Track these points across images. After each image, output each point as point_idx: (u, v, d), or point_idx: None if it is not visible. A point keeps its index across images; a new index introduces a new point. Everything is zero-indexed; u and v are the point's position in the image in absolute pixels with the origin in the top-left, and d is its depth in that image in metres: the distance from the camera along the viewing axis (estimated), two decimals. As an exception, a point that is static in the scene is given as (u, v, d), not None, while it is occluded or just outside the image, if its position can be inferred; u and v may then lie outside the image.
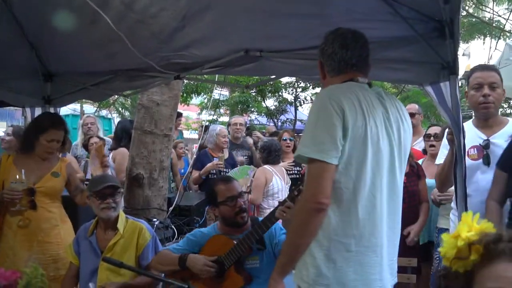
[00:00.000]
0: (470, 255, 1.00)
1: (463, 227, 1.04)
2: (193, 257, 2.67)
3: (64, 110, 12.02)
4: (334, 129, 1.76)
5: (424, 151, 4.14)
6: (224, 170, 5.29)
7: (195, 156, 5.73)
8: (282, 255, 1.89)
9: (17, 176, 3.06)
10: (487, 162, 2.78)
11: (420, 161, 4.01)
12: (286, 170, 5.07)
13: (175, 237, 4.29)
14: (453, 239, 1.03)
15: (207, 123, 6.03)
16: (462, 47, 13.68)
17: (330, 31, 2.05)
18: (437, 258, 3.29)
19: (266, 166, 4.89)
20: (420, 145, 4.36)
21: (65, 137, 3.38)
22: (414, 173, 3.68)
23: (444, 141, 2.92)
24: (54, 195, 3.32)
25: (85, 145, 5.97)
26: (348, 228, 1.81)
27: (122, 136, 5.27)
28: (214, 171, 5.30)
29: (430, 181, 3.63)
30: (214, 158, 5.38)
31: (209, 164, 5.29)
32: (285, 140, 5.42)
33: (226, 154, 5.55)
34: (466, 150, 2.73)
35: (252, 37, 2.89)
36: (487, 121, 2.85)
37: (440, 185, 3.06)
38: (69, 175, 3.43)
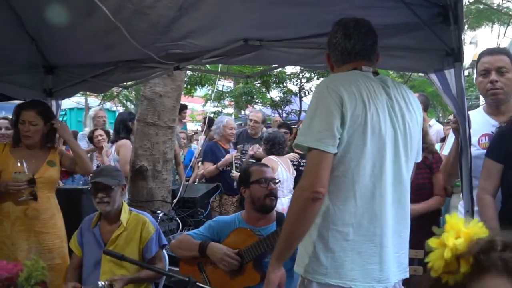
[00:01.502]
0: (459, 268, 0.89)
1: (449, 233, 0.91)
2: (214, 246, 2.68)
3: (69, 104, 12.10)
4: (331, 117, 1.75)
5: (443, 139, 4.08)
6: (238, 163, 5.27)
7: (199, 148, 5.72)
8: (279, 241, 1.87)
9: (19, 166, 3.07)
10: None
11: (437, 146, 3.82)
12: (291, 161, 5.05)
13: (180, 229, 4.30)
14: (440, 249, 0.91)
15: (211, 115, 6.00)
16: (470, 35, 13.53)
17: (335, 21, 2.03)
18: None
19: (271, 157, 4.88)
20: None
21: (50, 128, 3.34)
22: (426, 165, 3.38)
23: (451, 132, 2.77)
24: (51, 185, 3.33)
25: (90, 137, 6.03)
26: (346, 217, 1.80)
27: (120, 128, 5.30)
28: (228, 164, 5.29)
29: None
30: (227, 150, 5.34)
31: (227, 156, 5.29)
32: None
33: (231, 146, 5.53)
34: (477, 138, 2.66)
35: (251, 26, 2.85)
36: (499, 107, 2.69)
37: (447, 176, 2.95)
38: (61, 156, 3.41)
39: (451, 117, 3.81)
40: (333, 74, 2.00)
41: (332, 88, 1.80)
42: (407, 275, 1.98)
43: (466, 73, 2.26)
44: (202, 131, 7.61)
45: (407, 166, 1.94)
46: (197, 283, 1.65)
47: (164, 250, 3.10)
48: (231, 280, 2.65)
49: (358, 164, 1.80)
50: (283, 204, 4.38)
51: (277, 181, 2.81)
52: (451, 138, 2.91)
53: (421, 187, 3.33)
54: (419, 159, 2.10)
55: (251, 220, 2.76)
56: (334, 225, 1.81)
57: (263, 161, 4.88)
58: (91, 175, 3.22)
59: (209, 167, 5.40)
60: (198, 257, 2.73)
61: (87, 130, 6.51)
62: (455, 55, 2.30)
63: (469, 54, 15.02)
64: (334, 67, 2.04)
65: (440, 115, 12.68)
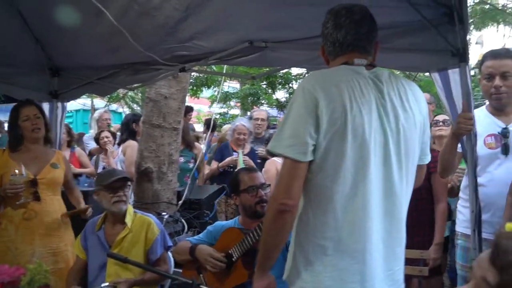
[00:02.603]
0: None
1: None
2: (201, 248, 2.70)
3: (74, 105, 12.15)
4: (303, 123, 1.60)
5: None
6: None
7: (203, 152, 5.72)
8: (259, 251, 1.80)
9: (17, 170, 3.06)
10: (505, 151, 2.65)
11: None
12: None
13: (185, 230, 4.29)
14: None
15: (216, 116, 6.00)
16: (475, 35, 13.47)
17: (327, 10, 1.86)
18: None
19: (275, 158, 4.84)
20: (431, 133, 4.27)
21: (46, 125, 3.36)
22: None
23: None
24: (55, 187, 3.32)
25: (96, 139, 6.06)
26: (326, 230, 1.65)
27: (125, 130, 5.33)
28: (232, 166, 5.28)
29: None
30: (234, 153, 5.36)
31: (228, 159, 5.29)
32: None
33: (247, 149, 5.51)
34: (483, 138, 2.65)
35: (257, 28, 2.85)
36: (503, 109, 2.72)
37: (442, 170, 2.83)
38: (66, 169, 3.42)
39: (439, 117, 3.79)
40: (313, 72, 1.85)
41: (308, 89, 1.64)
42: None
43: (472, 72, 2.23)
44: (204, 133, 7.64)
45: (401, 174, 1.73)
46: (201, 286, 1.64)
47: (169, 252, 3.10)
48: (224, 280, 2.67)
49: (337, 173, 1.62)
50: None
51: (266, 185, 2.74)
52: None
53: (415, 191, 3.27)
54: (427, 160, 1.92)
55: (246, 224, 2.75)
56: (315, 237, 1.67)
57: (267, 163, 4.87)
58: (95, 178, 3.22)
59: (214, 166, 5.45)
60: (194, 262, 2.75)
61: (92, 132, 6.54)
62: (461, 55, 2.28)
63: (475, 54, 14.93)
64: (329, 61, 1.86)
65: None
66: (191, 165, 5.44)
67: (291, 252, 1.75)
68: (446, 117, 3.75)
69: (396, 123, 1.71)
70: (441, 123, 3.69)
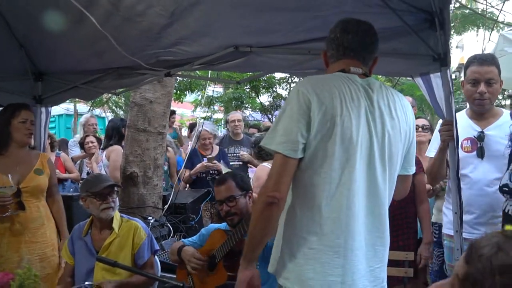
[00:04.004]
0: None
1: None
2: (186, 249, 2.77)
3: (57, 110, 12.02)
4: (296, 122, 1.72)
5: None
6: (213, 170, 5.26)
7: (186, 155, 5.72)
8: (246, 242, 1.86)
9: (5, 180, 3.00)
10: (480, 154, 2.73)
11: None
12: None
13: (171, 235, 4.29)
14: None
15: (201, 120, 6.01)
16: (456, 39, 13.70)
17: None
18: (441, 255, 3.14)
19: (265, 164, 4.85)
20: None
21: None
22: None
23: (436, 133, 2.82)
24: (39, 194, 3.27)
25: (81, 143, 6.03)
26: (311, 225, 1.75)
27: (112, 135, 5.29)
28: (203, 172, 5.27)
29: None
30: (204, 158, 5.36)
31: (198, 165, 5.25)
32: None
33: (215, 152, 5.52)
34: (460, 142, 2.70)
35: (241, 33, 2.87)
36: (483, 114, 2.80)
37: (431, 180, 3.03)
38: (51, 173, 3.37)
39: (418, 122, 3.79)
40: (309, 77, 1.94)
41: (303, 92, 1.75)
42: None
43: (453, 76, 2.27)
44: (187, 137, 7.64)
45: (384, 176, 1.84)
46: (190, 288, 1.66)
47: (156, 256, 3.10)
48: (206, 281, 2.71)
49: (325, 172, 1.73)
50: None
51: (231, 198, 2.66)
52: (434, 141, 2.96)
53: None
54: (412, 171, 2.03)
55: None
56: (300, 231, 1.77)
57: (257, 169, 4.87)
58: (81, 182, 3.20)
59: (186, 174, 5.38)
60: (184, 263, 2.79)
61: (78, 136, 6.49)
62: (442, 60, 2.34)
63: (456, 57, 15.20)
64: (328, 65, 1.98)
65: (428, 118, 12.77)
66: (166, 167, 5.45)
67: (278, 245, 1.84)
68: (426, 122, 3.84)
69: (382, 129, 1.82)
70: (420, 129, 3.70)
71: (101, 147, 5.68)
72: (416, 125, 3.78)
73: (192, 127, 7.33)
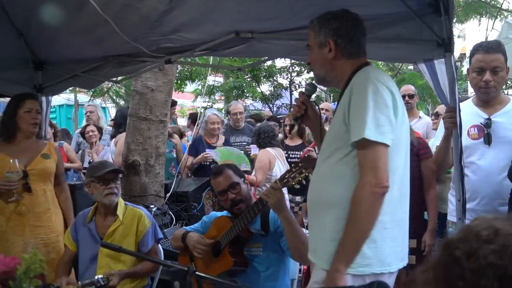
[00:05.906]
0: None
1: None
2: (190, 235, 2.77)
3: (58, 100, 12.02)
4: (389, 111, 1.81)
5: None
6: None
7: (189, 143, 5.72)
8: (346, 244, 1.80)
9: (11, 165, 3.02)
10: (488, 141, 2.71)
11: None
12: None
13: (173, 223, 4.29)
14: None
15: (201, 110, 6.00)
16: (458, 28, 13.60)
17: (339, 12, 1.99)
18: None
19: (268, 149, 4.88)
20: (415, 126, 4.33)
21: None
22: (413, 153, 3.05)
23: (442, 122, 2.77)
24: (46, 177, 3.28)
25: (82, 133, 6.05)
26: (385, 206, 1.81)
27: (122, 123, 5.30)
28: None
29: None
30: (211, 145, 5.36)
31: (199, 156, 5.26)
32: None
33: (221, 140, 5.53)
34: (467, 129, 2.71)
35: (242, 19, 2.83)
36: (489, 101, 2.78)
37: (437, 168, 3.07)
38: (58, 160, 3.39)
39: (438, 109, 3.84)
40: (376, 69, 2.02)
41: (382, 83, 1.83)
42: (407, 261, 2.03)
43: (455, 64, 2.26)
44: (187, 126, 7.64)
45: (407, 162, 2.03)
46: (196, 272, 1.66)
47: (159, 244, 3.11)
48: (211, 267, 2.71)
49: (398, 156, 1.87)
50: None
51: (234, 185, 2.68)
52: (440, 129, 2.95)
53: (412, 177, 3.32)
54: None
55: None
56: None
57: (260, 153, 4.89)
58: (83, 171, 3.21)
59: (189, 161, 5.37)
60: (188, 249, 2.79)
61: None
62: (446, 45, 2.31)
63: (457, 47, 15.11)
64: (341, 58, 1.98)
65: (430, 107, 12.77)
66: (174, 154, 5.45)
67: (334, 239, 1.82)
68: (439, 109, 3.85)
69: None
70: (433, 116, 3.77)
71: (110, 135, 5.71)
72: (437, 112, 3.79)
73: (192, 116, 7.34)
